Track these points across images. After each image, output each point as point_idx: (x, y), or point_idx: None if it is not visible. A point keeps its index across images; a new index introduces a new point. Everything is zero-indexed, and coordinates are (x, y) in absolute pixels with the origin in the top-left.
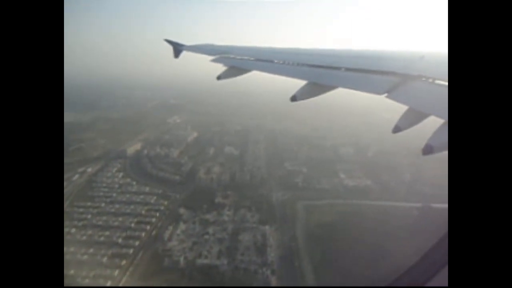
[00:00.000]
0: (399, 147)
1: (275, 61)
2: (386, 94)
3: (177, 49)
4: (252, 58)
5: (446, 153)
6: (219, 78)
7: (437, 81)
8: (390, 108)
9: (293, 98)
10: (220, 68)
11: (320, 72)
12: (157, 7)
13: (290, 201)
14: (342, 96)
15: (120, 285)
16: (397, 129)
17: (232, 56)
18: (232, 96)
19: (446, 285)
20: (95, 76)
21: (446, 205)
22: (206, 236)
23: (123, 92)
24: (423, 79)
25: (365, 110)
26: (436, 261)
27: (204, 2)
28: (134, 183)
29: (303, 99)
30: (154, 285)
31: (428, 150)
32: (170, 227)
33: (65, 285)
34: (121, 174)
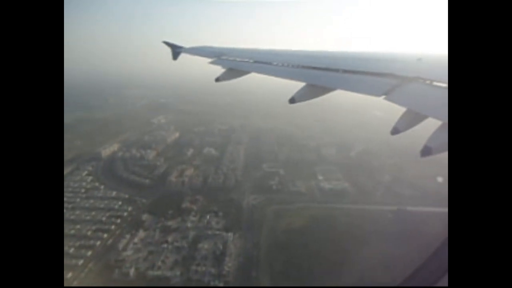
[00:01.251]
0: (385, 146)
1: (274, 63)
2: (384, 96)
3: (176, 51)
4: (250, 60)
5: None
6: (217, 80)
7: (435, 83)
8: (382, 106)
9: (292, 100)
10: (219, 70)
11: (319, 74)
12: (156, 8)
13: (261, 205)
14: (337, 95)
15: None
16: (395, 130)
17: (230, 58)
18: (227, 97)
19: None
20: (90, 76)
21: (422, 208)
22: (164, 245)
23: (114, 92)
24: (421, 81)
25: (356, 108)
26: (436, 269)
27: (203, 3)
28: (102, 187)
29: (301, 101)
30: None
31: (426, 151)
32: (128, 235)
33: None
34: (90, 178)
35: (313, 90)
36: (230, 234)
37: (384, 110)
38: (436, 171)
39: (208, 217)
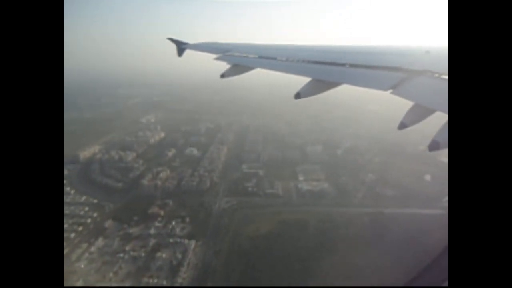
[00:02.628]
0: (374, 143)
1: (279, 58)
2: (391, 90)
3: (181, 47)
4: (255, 56)
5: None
6: (222, 76)
7: (443, 76)
8: (386, 101)
9: (297, 96)
10: (224, 66)
11: (324, 69)
12: (157, 6)
13: (232, 209)
14: (343, 90)
15: None
16: (402, 125)
17: (235, 54)
18: (226, 94)
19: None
20: (87, 75)
21: (401, 210)
22: (121, 254)
23: (109, 91)
24: (429, 74)
25: (358, 102)
26: (436, 273)
27: (203, 1)
28: (73, 191)
29: (307, 96)
30: None
31: (434, 146)
32: (86, 245)
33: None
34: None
35: (319, 85)
36: (192, 242)
37: (381, 104)
38: (424, 169)
39: (173, 223)
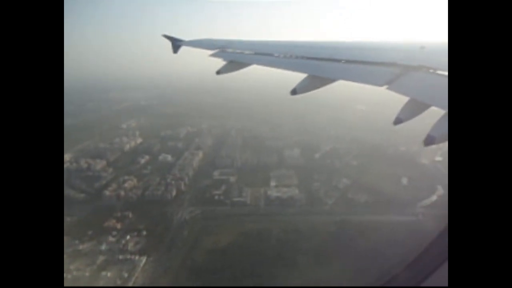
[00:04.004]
0: (355, 145)
1: (275, 54)
2: (386, 86)
3: (176, 44)
4: (251, 52)
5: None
6: (218, 72)
7: (439, 72)
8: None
9: (293, 92)
10: (220, 62)
11: (320, 65)
12: (151, 8)
13: (194, 220)
14: (340, 85)
15: None
16: (398, 120)
17: (231, 50)
18: (218, 95)
19: (446, 283)
20: (78, 80)
21: (370, 217)
22: (63, 274)
23: (97, 96)
24: (424, 69)
25: (342, 102)
26: (435, 257)
27: (198, 2)
28: None
29: (303, 92)
30: None
31: (430, 140)
32: None
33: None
34: None
35: (315, 81)
36: (143, 258)
37: (370, 103)
38: (402, 172)
39: (128, 237)
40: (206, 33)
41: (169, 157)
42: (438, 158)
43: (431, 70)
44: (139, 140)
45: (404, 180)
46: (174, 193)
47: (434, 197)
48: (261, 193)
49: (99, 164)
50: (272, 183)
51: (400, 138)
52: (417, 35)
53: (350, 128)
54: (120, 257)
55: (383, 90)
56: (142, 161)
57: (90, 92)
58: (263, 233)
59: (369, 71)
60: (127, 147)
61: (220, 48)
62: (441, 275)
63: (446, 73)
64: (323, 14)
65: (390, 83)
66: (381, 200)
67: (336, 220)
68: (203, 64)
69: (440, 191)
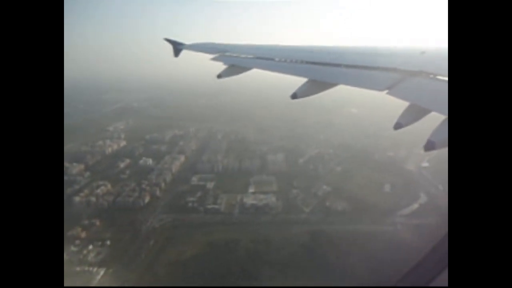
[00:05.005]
0: (340, 151)
1: (276, 58)
2: (387, 91)
3: (177, 48)
4: (252, 56)
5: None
6: (219, 76)
7: (438, 77)
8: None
9: (294, 96)
10: (221, 66)
11: (321, 69)
12: (151, 9)
13: (163, 229)
14: (339, 90)
15: None
16: (398, 125)
17: (232, 54)
18: (215, 97)
19: (446, 285)
20: (76, 81)
21: (345, 227)
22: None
23: (91, 97)
24: (424, 74)
25: (337, 105)
26: (435, 263)
27: (198, 1)
28: None
29: (303, 96)
30: None
31: (430, 146)
32: None
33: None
34: None
35: (315, 85)
36: (101, 270)
37: (364, 107)
38: (387, 178)
39: (90, 247)
40: (206, 32)
41: (150, 161)
42: (425, 164)
43: (431, 75)
44: (123, 143)
45: (387, 187)
46: (147, 199)
47: (415, 205)
48: (237, 200)
49: (76, 168)
50: (251, 190)
51: (389, 143)
52: (417, 35)
53: (340, 132)
54: (78, 269)
55: (380, 93)
56: (122, 165)
57: (85, 93)
58: (231, 244)
59: (370, 76)
60: (109, 150)
61: (221, 52)
62: (441, 281)
63: (446, 78)
64: (323, 14)
65: (391, 88)
66: (360, 209)
67: (310, 230)
68: (204, 67)
69: (423, 199)
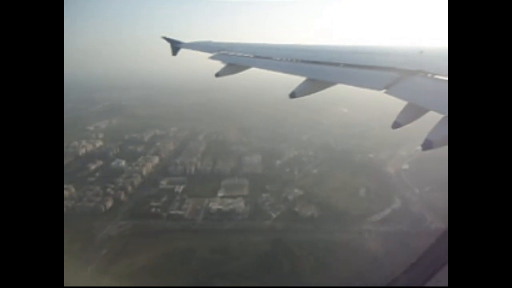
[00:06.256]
0: (320, 152)
1: (274, 57)
2: (385, 90)
3: (175, 46)
4: (251, 55)
5: (364, 159)
6: (217, 75)
7: (437, 76)
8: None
9: (292, 95)
10: (219, 65)
11: (319, 68)
12: (148, 7)
13: (120, 237)
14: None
15: None
16: (396, 124)
17: (231, 53)
18: (208, 95)
19: (446, 284)
20: (77, 78)
21: (308, 236)
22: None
23: (81, 95)
24: (423, 74)
25: (327, 103)
26: (435, 259)
27: (196, 1)
28: None
29: (302, 95)
30: None
31: (427, 145)
32: None
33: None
34: None
35: (314, 84)
36: None
37: (353, 106)
38: (364, 182)
39: None
40: (204, 31)
41: (123, 163)
42: (405, 167)
43: (430, 75)
44: (99, 144)
45: (362, 191)
46: (110, 204)
47: (387, 211)
48: (204, 205)
49: None
50: (220, 193)
51: (373, 144)
52: (414, 34)
53: (325, 132)
54: None
55: (377, 93)
56: (93, 167)
57: (78, 90)
58: (187, 253)
59: (368, 75)
60: (82, 151)
61: (219, 50)
62: (442, 277)
63: (445, 77)
64: (322, 13)
65: (389, 87)
66: (329, 215)
67: (271, 238)
68: (203, 66)
69: (396, 204)
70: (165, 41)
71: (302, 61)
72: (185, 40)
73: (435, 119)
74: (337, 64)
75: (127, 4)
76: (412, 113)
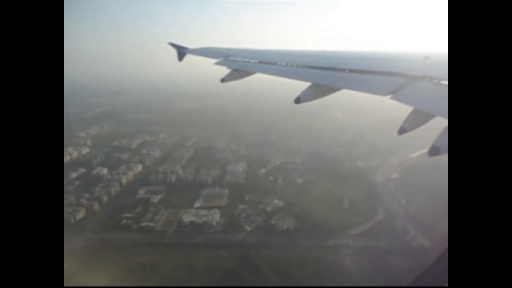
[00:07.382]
0: (307, 159)
1: (279, 63)
2: (390, 95)
3: (181, 52)
4: (256, 61)
5: (352, 167)
6: (222, 80)
7: (442, 82)
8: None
9: (297, 100)
10: (224, 70)
11: (324, 74)
12: (151, 9)
13: (84, 251)
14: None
15: None
16: (402, 130)
17: (236, 59)
18: (207, 101)
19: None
20: (76, 84)
21: (281, 252)
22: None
23: (77, 101)
24: (428, 79)
25: (323, 109)
26: (436, 277)
27: (199, 2)
28: None
29: (307, 101)
30: None
31: (434, 151)
32: None
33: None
34: None
35: (319, 90)
36: None
37: (349, 112)
38: (347, 191)
39: None
40: (207, 32)
41: (105, 171)
42: (394, 175)
43: (435, 80)
44: (85, 151)
45: (345, 202)
46: (81, 215)
47: (368, 224)
48: (178, 216)
49: None
50: (197, 204)
51: (363, 152)
52: (419, 39)
53: (316, 139)
54: None
55: (377, 98)
56: (74, 175)
57: (75, 96)
58: (148, 270)
59: (373, 81)
60: (67, 158)
61: (224, 56)
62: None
63: None
64: (324, 13)
65: (394, 93)
66: (306, 227)
67: (241, 254)
68: (208, 71)
69: (379, 216)
70: (171, 47)
71: (307, 66)
72: (188, 41)
73: (435, 125)
74: (342, 70)
75: (127, 4)
76: (418, 118)
